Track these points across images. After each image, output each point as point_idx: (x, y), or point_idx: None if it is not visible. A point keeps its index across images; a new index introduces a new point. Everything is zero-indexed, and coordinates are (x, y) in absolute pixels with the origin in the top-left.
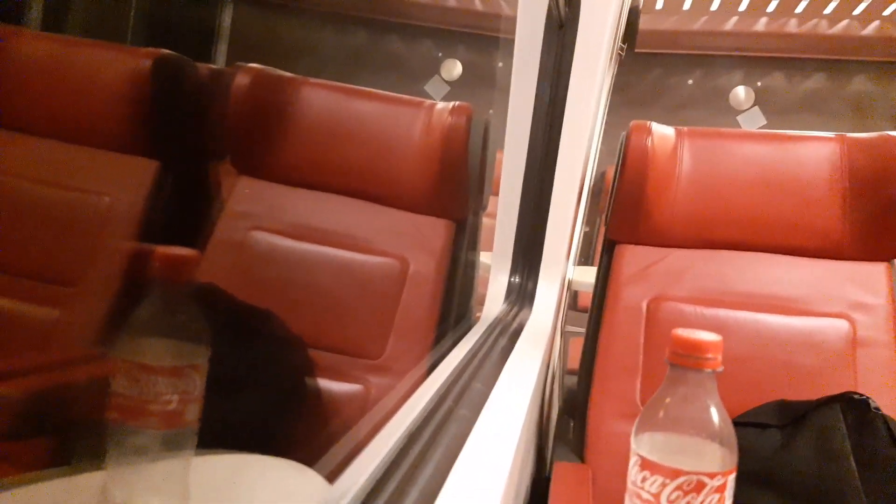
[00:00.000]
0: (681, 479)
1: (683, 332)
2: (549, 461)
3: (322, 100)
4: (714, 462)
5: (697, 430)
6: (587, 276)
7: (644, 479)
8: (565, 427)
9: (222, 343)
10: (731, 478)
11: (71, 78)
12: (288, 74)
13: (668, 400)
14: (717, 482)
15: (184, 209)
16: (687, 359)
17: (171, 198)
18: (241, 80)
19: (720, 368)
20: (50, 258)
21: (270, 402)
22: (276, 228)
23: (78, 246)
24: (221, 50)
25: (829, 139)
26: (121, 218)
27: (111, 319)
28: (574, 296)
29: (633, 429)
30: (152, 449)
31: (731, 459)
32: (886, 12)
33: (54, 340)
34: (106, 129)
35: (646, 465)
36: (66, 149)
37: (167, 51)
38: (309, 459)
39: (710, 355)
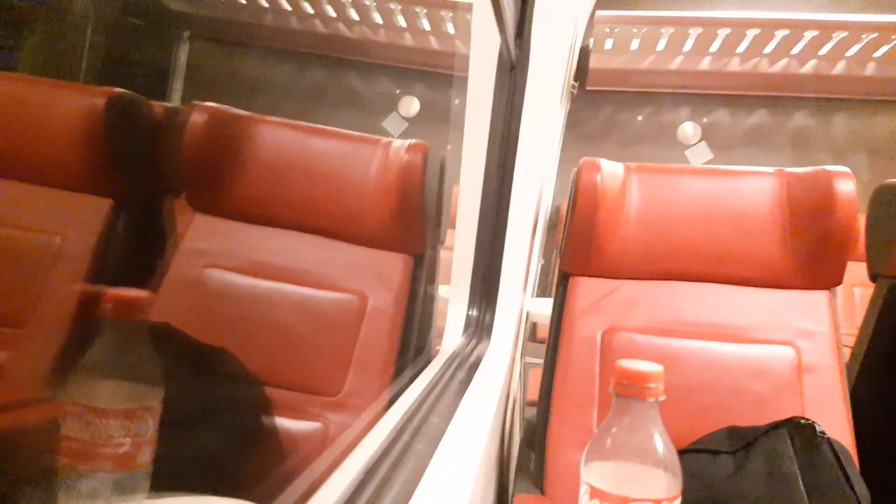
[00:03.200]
0: None
1: (626, 364)
2: (510, 494)
3: (278, 138)
4: (660, 488)
5: (643, 457)
6: (544, 308)
7: None
8: (526, 459)
9: (176, 383)
10: (677, 503)
11: (23, 116)
12: (244, 112)
13: (614, 429)
14: None
15: (138, 247)
16: (630, 389)
17: (125, 236)
18: (197, 118)
19: (662, 397)
20: None
21: (226, 442)
22: (232, 266)
23: (27, 286)
24: (177, 87)
25: (770, 174)
26: (72, 258)
27: (62, 361)
28: (533, 327)
29: (583, 458)
30: (104, 493)
31: (676, 485)
32: (822, 52)
33: (1, 383)
34: (58, 167)
35: (595, 493)
36: (17, 187)
37: (121, 89)
38: (265, 499)
39: (652, 385)
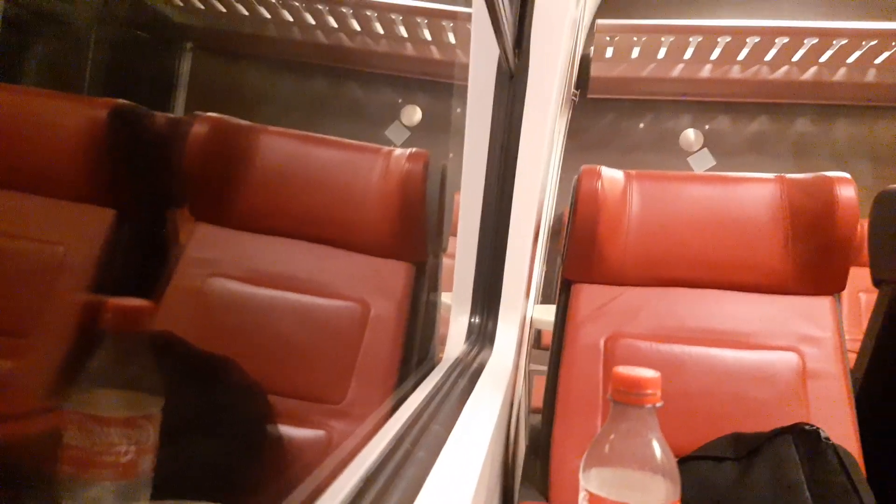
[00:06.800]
0: None
1: (623, 370)
2: (515, 501)
3: (280, 147)
4: (658, 495)
5: (641, 464)
6: (548, 315)
7: None
8: (532, 466)
9: (180, 391)
10: None
11: (26, 128)
12: (245, 122)
13: (612, 436)
14: None
15: (141, 257)
16: (627, 395)
17: (129, 246)
18: (199, 128)
19: (660, 404)
20: (1, 309)
21: (229, 451)
22: (235, 274)
23: (31, 296)
24: (180, 98)
25: (770, 180)
26: (76, 267)
27: (64, 371)
28: (538, 335)
29: (581, 465)
30: (106, 501)
31: (675, 491)
32: (822, 59)
33: (5, 393)
34: (62, 178)
35: (594, 500)
36: (20, 198)
37: (124, 101)
38: None
39: (649, 391)
